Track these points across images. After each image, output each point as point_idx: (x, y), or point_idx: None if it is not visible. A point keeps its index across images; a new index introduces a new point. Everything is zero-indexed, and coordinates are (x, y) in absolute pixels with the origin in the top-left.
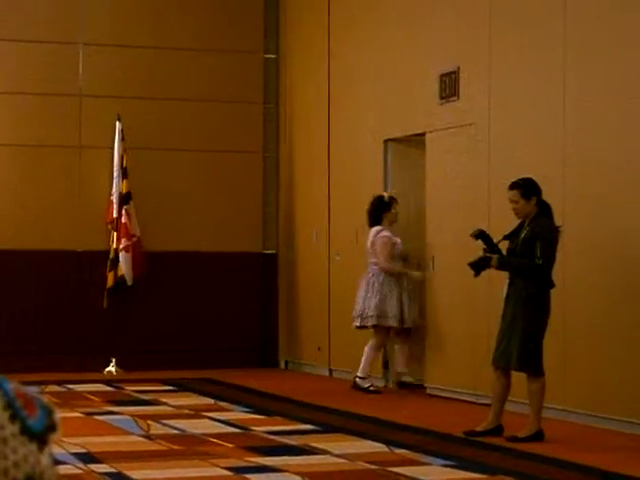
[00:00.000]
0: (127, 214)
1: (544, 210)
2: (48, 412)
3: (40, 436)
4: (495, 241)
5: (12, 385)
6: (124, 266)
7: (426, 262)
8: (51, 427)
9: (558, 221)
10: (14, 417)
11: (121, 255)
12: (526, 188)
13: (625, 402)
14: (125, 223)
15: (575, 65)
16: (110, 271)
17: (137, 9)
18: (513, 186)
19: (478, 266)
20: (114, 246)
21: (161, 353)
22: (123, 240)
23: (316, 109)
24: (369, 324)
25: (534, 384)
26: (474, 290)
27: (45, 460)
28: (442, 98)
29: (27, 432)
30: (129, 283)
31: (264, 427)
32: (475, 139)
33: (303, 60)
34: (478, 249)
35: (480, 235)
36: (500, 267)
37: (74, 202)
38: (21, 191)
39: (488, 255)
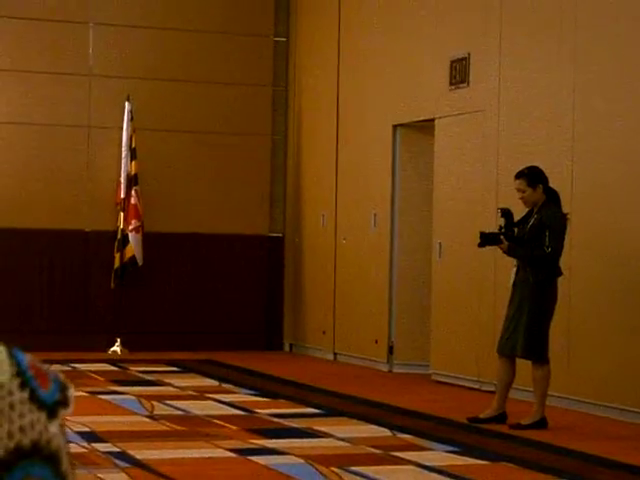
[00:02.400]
0: (137, 195)
1: (552, 198)
2: (62, 387)
3: (50, 407)
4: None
5: (26, 356)
6: (135, 246)
7: (433, 248)
8: (62, 402)
9: (565, 209)
10: (24, 385)
11: (131, 236)
12: (531, 176)
13: (628, 391)
14: (135, 204)
15: (585, 52)
16: (117, 252)
17: None
18: (519, 175)
19: (488, 239)
20: (122, 227)
21: (166, 334)
22: (133, 221)
23: (325, 93)
24: None
25: (539, 372)
26: (481, 276)
27: (53, 428)
28: (452, 84)
29: (36, 400)
30: (140, 263)
31: (268, 410)
32: (484, 126)
33: (313, 44)
34: (490, 230)
35: (505, 214)
36: (508, 254)
37: (83, 182)
38: (30, 170)
39: (501, 237)
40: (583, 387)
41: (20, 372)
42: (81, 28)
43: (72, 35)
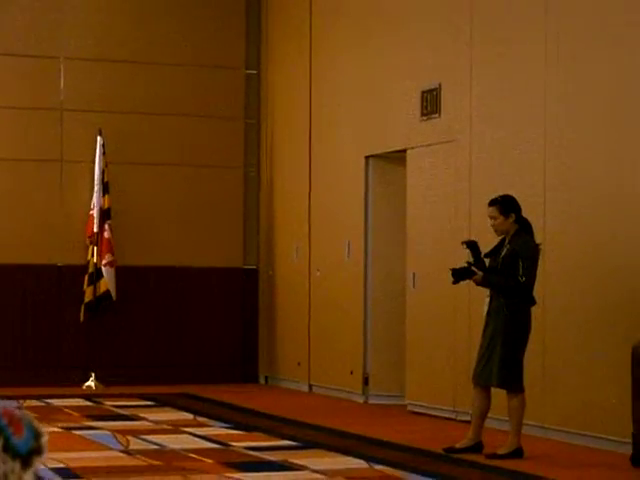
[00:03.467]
0: (110, 229)
1: (524, 227)
2: (36, 435)
3: (24, 457)
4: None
5: None
6: (109, 281)
7: (407, 278)
8: (37, 450)
9: (538, 239)
10: None
11: (105, 270)
12: (505, 205)
13: (604, 419)
14: (108, 238)
15: (556, 82)
16: (89, 285)
17: (119, 23)
18: (492, 202)
19: (459, 274)
20: (93, 260)
21: (140, 368)
22: (107, 255)
23: (297, 125)
24: None
25: (514, 401)
26: (455, 306)
27: (28, 478)
28: (423, 115)
29: (10, 450)
30: (114, 298)
31: (243, 443)
32: (456, 156)
33: (284, 76)
34: (460, 263)
35: (471, 245)
36: (482, 284)
37: (55, 216)
38: (1, 205)
39: (473, 269)
40: (559, 416)
41: (6, 435)
42: (52, 62)
43: (43, 69)
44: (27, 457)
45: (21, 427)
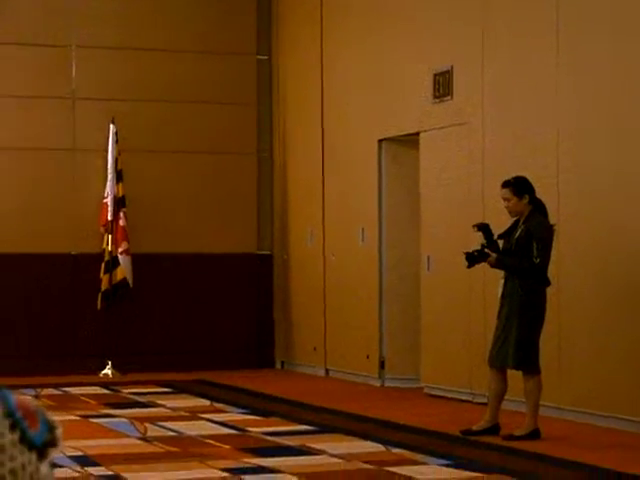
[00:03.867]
0: (125, 217)
1: (538, 208)
2: (50, 427)
3: (40, 448)
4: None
5: (14, 396)
6: (125, 268)
7: (421, 261)
8: (51, 442)
9: (552, 219)
10: (14, 426)
11: (121, 258)
12: (518, 186)
13: (621, 399)
14: (123, 226)
15: (568, 63)
16: (106, 273)
17: (130, 11)
18: (505, 184)
19: (473, 258)
20: (109, 249)
21: (157, 355)
22: (123, 243)
23: (310, 109)
24: None
25: (530, 382)
26: (470, 289)
27: (44, 469)
28: (436, 97)
29: (27, 442)
30: (131, 285)
31: (261, 428)
32: (469, 138)
33: (296, 61)
34: (474, 246)
35: (483, 228)
36: (496, 266)
37: (68, 205)
38: (14, 194)
39: (487, 251)
40: (575, 396)
41: (10, 413)
42: (64, 51)
43: (55, 57)
44: (43, 449)
45: (36, 420)
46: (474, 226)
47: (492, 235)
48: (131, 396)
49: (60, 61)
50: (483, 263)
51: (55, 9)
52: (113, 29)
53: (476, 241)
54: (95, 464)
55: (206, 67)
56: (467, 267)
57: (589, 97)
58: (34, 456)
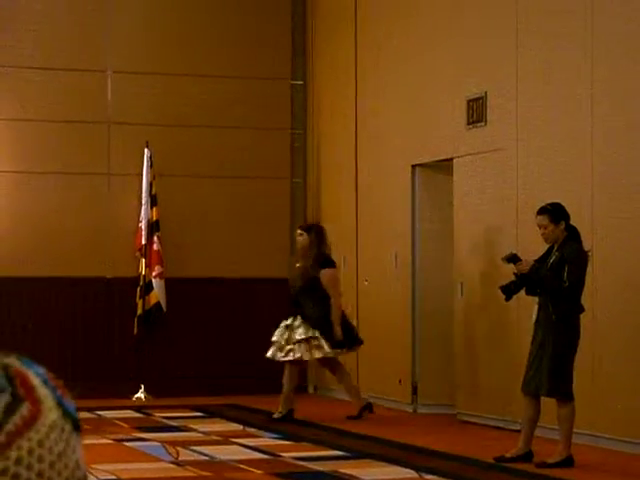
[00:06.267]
0: (159, 241)
1: (573, 235)
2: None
3: (76, 421)
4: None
5: (41, 369)
6: (159, 293)
7: (455, 287)
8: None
9: (587, 245)
10: (65, 414)
11: (155, 282)
12: (555, 213)
13: None
14: (158, 250)
15: (603, 89)
16: (140, 298)
17: (165, 36)
18: (542, 211)
19: (509, 290)
20: (143, 273)
21: (189, 379)
22: (157, 267)
23: (344, 134)
24: None
25: (564, 409)
26: (503, 315)
27: (76, 443)
28: (469, 123)
29: (73, 423)
30: (164, 309)
31: (292, 453)
32: (503, 164)
33: (330, 86)
34: (508, 273)
35: (512, 259)
36: (529, 273)
37: (103, 229)
38: (50, 217)
39: (517, 255)
40: (609, 423)
41: (57, 398)
42: (99, 76)
43: (91, 83)
44: (78, 421)
45: (63, 387)
46: (503, 258)
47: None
48: (164, 420)
49: (96, 86)
50: (518, 291)
51: (91, 35)
52: (148, 54)
53: (509, 268)
54: None
55: (241, 92)
56: (506, 300)
57: (624, 121)
58: (69, 426)
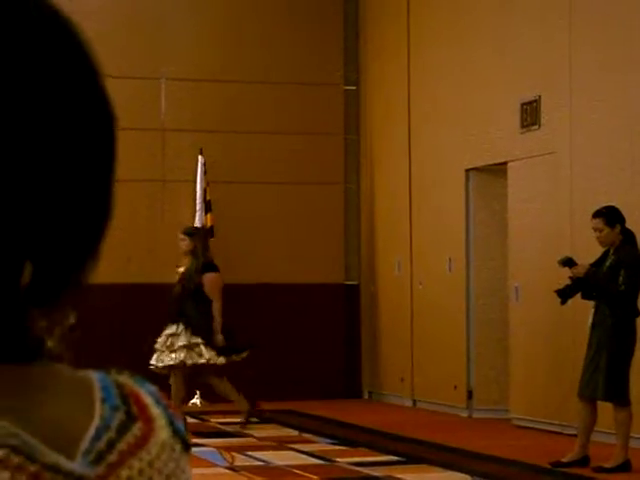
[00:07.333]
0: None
1: (628, 238)
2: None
3: (185, 442)
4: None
5: (152, 387)
6: None
7: (510, 291)
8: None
9: None
10: (175, 433)
11: None
12: (610, 216)
13: None
14: None
15: None
16: None
17: (218, 43)
18: (597, 214)
19: (565, 294)
20: None
21: (245, 385)
22: None
23: (397, 139)
24: None
25: (621, 414)
26: (559, 319)
27: (185, 465)
28: (523, 127)
29: (184, 443)
30: None
31: (348, 458)
32: (557, 167)
33: (383, 91)
34: (563, 277)
35: (568, 262)
36: (586, 275)
37: (159, 236)
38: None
39: (572, 259)
40: None
41: (168, 417)
42: (153, 83)
43: (145, 90)
44: (187, 442)
45: (176, 409)
46: (559, 262)
47: (577, 265)
48: (219, 425)
49: (150, 93)
50: (574, 295)
51: (145, 42)
52: (201, 62)
53: (564, 271)
54: None
55: (294, 98)
56: (561, 304)
57: None
58: (179, 446)
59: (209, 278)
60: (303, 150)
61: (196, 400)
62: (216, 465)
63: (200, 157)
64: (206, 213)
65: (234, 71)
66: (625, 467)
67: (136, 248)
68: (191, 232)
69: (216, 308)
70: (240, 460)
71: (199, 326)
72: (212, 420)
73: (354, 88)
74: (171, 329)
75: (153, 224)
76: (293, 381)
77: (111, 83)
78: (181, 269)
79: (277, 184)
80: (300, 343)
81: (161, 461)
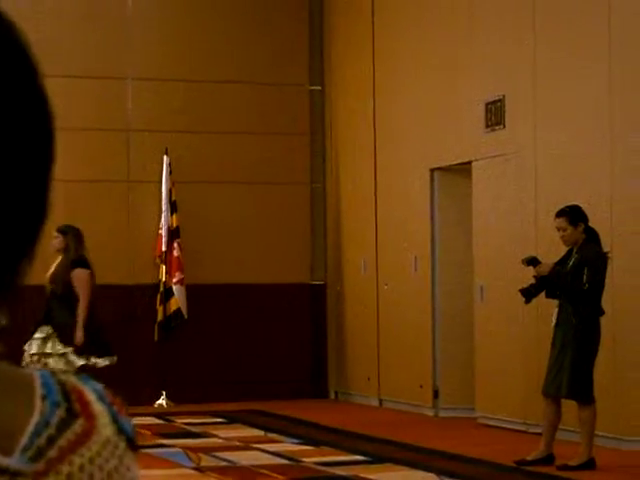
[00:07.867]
0: (179, 247)
1: (592, 237)
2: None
3: (132, 440)
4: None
5: (98, 385)
6: (180, 299)
7: (475, 291)
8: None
9: (605, 248)
10: (120, 430)
11: (176, 288)
12: (573, 215)
13: None
14: (178, 257)
15: (621, 91)
16: (161, 305)
17: (184, 43)
18: (560, 213)
19: (529, 293)
20: (163, 280)
21: (211, 385)
22: (177, 274)
23: (362, 139)
24: None
25: (585, 412)
26: (523, 318)
27: (131, 463)
28: (488, 126)
29: (130, 442)
30: (185, 316)
31: (314, 458)
32: (522, 167)
33: (348, 91)
34: (527, 276)
35: (531, 261)
36: (549, 274)
37: (124, 236)
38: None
39: (537, 258)
40: (631, 426)
41: (113, 414)
42: (119, 83)
43: (110, 90)
44: (134, 440)
45: (122, 405)
46: (523, 261)
47: (540, 264)
48: (185, 426)
49: (115, 93)
50: (538, 293)
51: (110, 42)
52: (167, 61)
53: (529, 270)
54: None
55: (259, 98)
56: (526, 303)
57: None
58: (123, 444)
59: (76, 274)
60: (269, 150)
61: (162, 401)
62: (182, 466)
63: (165, 157)
64: (172, 214)
65: (199, 71)
66: (589, 465)
67: (101, 249)
68: (64, 230)
69: (81, 305)
70: (206, 460)
71: (62, 325)
72: (178, 421)
73: (319, 88)
74: (43, 332)
75: (118, 225)
76: (259, 381)
77: (76, 83)
78: (52, 268)
79: (243, 184)
80: (266, 343)
81: (102, 458)
